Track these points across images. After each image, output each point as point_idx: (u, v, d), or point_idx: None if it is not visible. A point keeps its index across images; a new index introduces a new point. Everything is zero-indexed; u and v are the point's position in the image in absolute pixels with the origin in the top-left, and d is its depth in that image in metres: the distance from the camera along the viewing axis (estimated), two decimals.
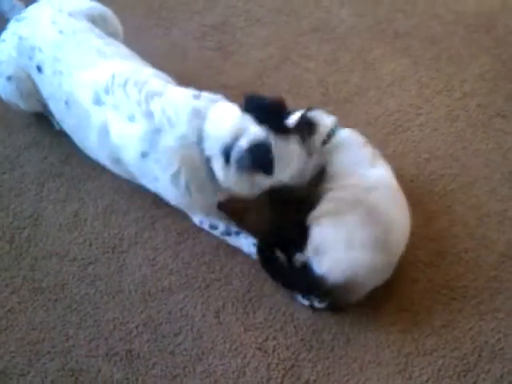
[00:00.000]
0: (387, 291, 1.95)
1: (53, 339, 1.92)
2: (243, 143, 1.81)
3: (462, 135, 2.43)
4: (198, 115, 1.90)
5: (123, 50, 2.24)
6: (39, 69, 2.11)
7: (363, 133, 2.38)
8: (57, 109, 2.18)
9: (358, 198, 1.90)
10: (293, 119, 1.98)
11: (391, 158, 2.30)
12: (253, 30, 2.85)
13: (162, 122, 1.89)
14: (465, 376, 1.83)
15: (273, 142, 1.83)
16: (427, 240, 2.11)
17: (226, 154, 1.84)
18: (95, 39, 2.14)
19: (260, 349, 1.88)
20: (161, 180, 1.97)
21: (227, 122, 1.87)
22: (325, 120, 2.09)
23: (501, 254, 2.08)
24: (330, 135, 2.08)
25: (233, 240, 2.09)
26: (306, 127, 1.99)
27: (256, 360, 1.86)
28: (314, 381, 1.83)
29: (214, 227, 2.11)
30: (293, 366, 1.85)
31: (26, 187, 2.30)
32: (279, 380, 1.83)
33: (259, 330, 1.92)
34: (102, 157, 2.13)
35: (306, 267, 1.88)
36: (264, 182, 1.91)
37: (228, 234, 2.09)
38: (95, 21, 2.26)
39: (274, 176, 1.86)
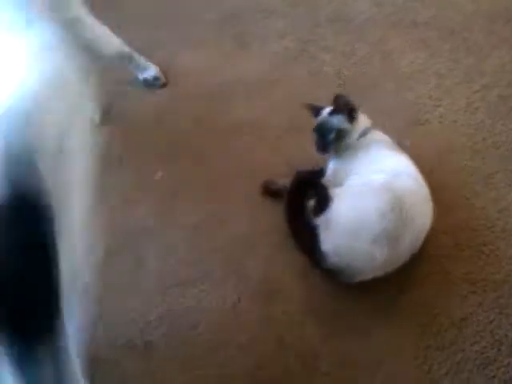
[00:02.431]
0: (404, 284, 1.94)
1: None
2: None
3: (482, 127, 2.40)
4: None
5: None
6: None
7: (381, 125, 2.38)
8: None
9: (384, 185, 1.90)
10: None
11: (410, 151, 2.29)
12: (268, 22, 2.84)
13: None
14: (484, 369, 1.82)
15: None
16: (445, 233, 2.08)
17: None
18: None
19: (278, 341, 1.89)
20: None
21: None
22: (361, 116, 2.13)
23: None
24: (366, 132, 2.10)
25: None
26: (346, 111, 2.05)
27: (274, 352, 1.87)
28: (332, 373, 1.83)
29: None
30: (311, 358, 1.85)
31: None
32: (297, 371, 1.83)
33: (277, 322, 1.92)
34: None
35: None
36: None
37: None
38: None
39: None
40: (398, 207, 1.83)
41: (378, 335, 1.88)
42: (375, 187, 1.91)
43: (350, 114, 2.07)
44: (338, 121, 2.06)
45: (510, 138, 2.35)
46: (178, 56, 2.70)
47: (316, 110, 2.16)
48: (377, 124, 2.33)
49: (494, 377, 1.81)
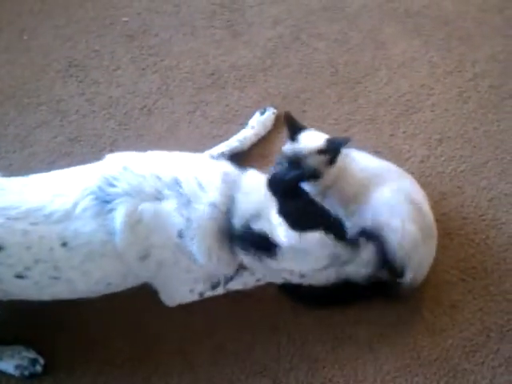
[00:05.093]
0: None
1: None
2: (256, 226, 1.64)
3: (474, 116, 2.41)
4: (229, 181, 1.69)
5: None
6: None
7: (373, 114, 2.41)
8: (48, 269, 1.65)
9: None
10: (313, 143, 1.92)
11: (402, 139, 2.32)
12: (262, 9, 2.82)
13: (192, 189, 1.66)
14: (473, 356, 1.85)
15: (282, 240, 1.62)
16: (437, 221, 2.08)
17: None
18: (25, 179, 1.80)
19: (271, 327, 1.91)
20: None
21: (254, 198, 1.67)
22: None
23: (510, 236, 2.08)
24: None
25: (237, 281, 1.91)
26: (333, 155, 1.91)
27: (266, 337, 1.89)
28: (324, 359, 1.85)
29: (215, 286, 1.89)
30: (302, 345, 1.87)
31: (36, 166, 2.30)
32: (289, 358, 1.85)
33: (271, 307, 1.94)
34: (127, 262, 1.69)
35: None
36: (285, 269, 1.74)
37: (231, 278, 1.89)
38: None
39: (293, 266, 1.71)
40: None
41: (369, 322, 1.90)
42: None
43: (334, 157, 1.92)
44: (317, 161, 1.90)
45: (501, 128, 2.37)
46: (171, 43, 2.68)
47: (294, 131, 1.96)
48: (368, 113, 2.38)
49: (482, 363, 1.84)
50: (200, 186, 1.66)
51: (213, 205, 1.65)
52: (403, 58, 2.62)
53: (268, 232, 1.62)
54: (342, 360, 1.84)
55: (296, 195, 1.71)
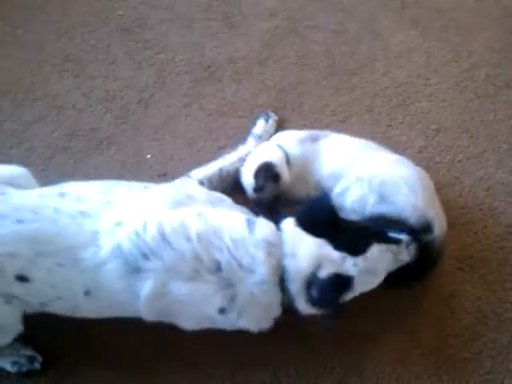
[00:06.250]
0: None
1: None
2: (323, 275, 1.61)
3: (470, 106, 2.42)
4: (273, 250, 1.62)
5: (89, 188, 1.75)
6: (22, 278, 1.57)
7: (371, 104, 2.41)
8: (69, 305, 1.67)
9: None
10: (249, 183, 2.00)
11: (399, 130, 2.33)
12: (258, 0, 2.81)
13: (234, 271, 1.60)
14: (472, 345, 1.86)
15: (353, 269, 1.62)
16: None
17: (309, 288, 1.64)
18: (58, 201, 1.67)
19: None
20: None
21: (304, 257, 1.62)
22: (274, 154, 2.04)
23: (508, 225, 2.10)
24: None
25: None
26: (271, 178, 1.97)
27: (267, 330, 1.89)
28: (324, 351, 1.86)
29: None
30: (303, 336, 1.87)
31: (34, 162, 2.30)
32: (289, 350, 1.86)
33: None
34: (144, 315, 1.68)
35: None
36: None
37: None
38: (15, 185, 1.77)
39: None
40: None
41: (367, 311, 1.90)
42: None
43: (275, 179, 1.98)
44: (267, 192, 1.98)
45: (497, 117, 2.38)
46: (166, 37, 2.67)
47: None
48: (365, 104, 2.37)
49: (481, 352, 1.85)
50: (241, 267, 1.60)
51: (262, 282, 1.61)
52: (400, 49, 2.62)
53: (337, 271, 1.61)
54: (343, 351, 1.85)
55: (337, 223, 1.69)
